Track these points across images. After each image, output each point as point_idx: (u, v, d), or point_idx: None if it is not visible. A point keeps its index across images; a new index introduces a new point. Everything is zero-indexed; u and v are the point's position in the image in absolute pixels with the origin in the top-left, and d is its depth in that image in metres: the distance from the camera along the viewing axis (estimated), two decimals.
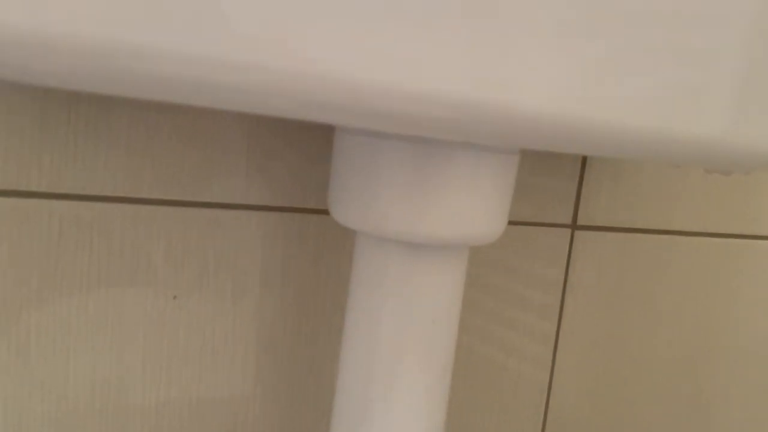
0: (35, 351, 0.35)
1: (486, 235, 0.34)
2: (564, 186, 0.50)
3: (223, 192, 0.38)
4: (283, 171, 0.40)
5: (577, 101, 0.27)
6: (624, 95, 0.28)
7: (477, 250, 0.48)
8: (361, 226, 0.33)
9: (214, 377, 0.40)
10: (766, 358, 0.61)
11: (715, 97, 0.31)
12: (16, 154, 0.33)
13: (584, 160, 0.51)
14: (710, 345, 0.59)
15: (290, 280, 0.41)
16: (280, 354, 0.42)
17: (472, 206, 0.32)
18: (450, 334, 0.35)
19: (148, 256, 0.37)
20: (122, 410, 0.38)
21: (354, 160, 0.33)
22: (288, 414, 0.43)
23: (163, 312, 0.38)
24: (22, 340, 0.35)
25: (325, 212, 0.41)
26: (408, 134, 0.29)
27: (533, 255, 0.50)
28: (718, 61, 0.30)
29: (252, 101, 0.21)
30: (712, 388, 0.60)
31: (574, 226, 0.51)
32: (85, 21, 0.18)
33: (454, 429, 0.50)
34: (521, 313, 0.50)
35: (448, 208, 0.32)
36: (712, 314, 0.58)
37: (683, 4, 0.27)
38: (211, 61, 0.19)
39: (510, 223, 0.49)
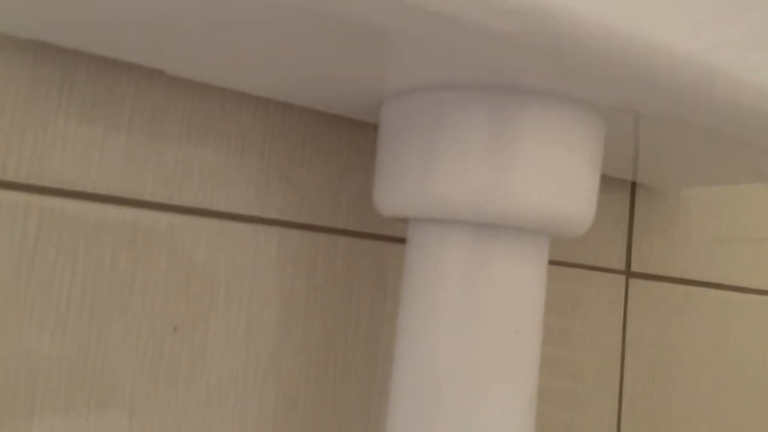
0: None
1: (573, 220, 0.27)
2: (613, 229, 0.45)
3: (239, 201, 0.32)
4: (309, 181, 0.34)
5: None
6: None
7: None
8: (417, 208, 0.27)
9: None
10: None
11: None
12: None
13: (632, 198, 0.46)
14: None
15: (315, 316, 0.34)
16: (302, 411, 0.33)
17: (559, 175, 0.26)
18: (536, 350, 0.27)
19: (145, 275, 0.30)
20: None
21: (409, 127, 0.27)
22: None
23: (159, 347, 0.30)
24: None
25: (359, 234, 0.35)
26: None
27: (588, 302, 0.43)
28: None
29: None
30: None
31: (629, 272, 0.45)
32: None
33: None
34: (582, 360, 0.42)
35: (527, 179, 0.26)
36: None
37: None
38: None
39: (558, 263, 0.42)
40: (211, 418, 0.31)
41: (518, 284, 0.27)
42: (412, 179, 0.27)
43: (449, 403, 0.26)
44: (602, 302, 0.44)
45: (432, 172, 0.26)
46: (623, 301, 0.45)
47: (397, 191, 0.27)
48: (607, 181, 0.44)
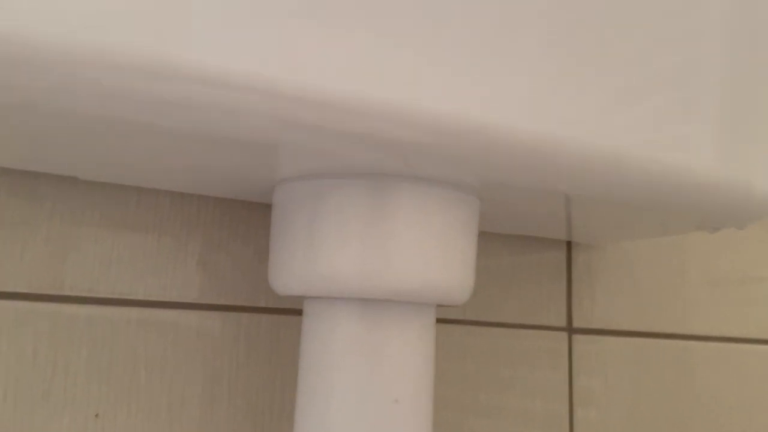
0: None
1: (451, 290, 0.29)
2: (552, 286, 0.46)
3: (157, 288, 0.34)
4: (227, 265, 0.36)
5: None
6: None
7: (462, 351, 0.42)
8: (302, 287, 0.29)
9: None
10: None
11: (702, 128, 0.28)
12: None
13: (569, 256, 0.47)
14: None
15: (239, 392, 0.35)
16: None
17: (434, 249, 0.28)
18: (419, 417, 0.28)
19: (65, 364, 0.32)
20: None
21: (295, 210, 0.29)
22: None
23: None
24: None
25: (280, 311, 0.37)
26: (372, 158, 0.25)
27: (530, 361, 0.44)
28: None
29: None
30: None
31: (570, 329, 0.46)
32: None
33: None
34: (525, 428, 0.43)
35: (401, 256, 0.28)
36: (742, 425, 0.50)
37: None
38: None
39: (497, 325, 0.43)
40: None
41: (398, 355, 0.28)
42: (296, 260, 0.29)
43: None
44: (545, 358, 0.44)
45: (313, 254, 0.28)
46: (567, 357, 0.45)
47: (285, 271, 0.29)
48: (541, 241, 0.46)
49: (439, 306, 0.32)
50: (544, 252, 0.46)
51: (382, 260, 0.28)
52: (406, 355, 0.29)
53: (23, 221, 0.32)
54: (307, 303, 0.30)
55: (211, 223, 0.36)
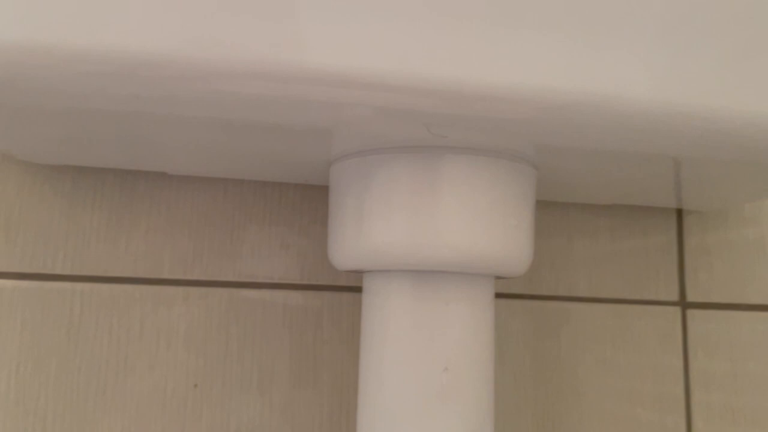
0: None
1: (505, 261, 0.28)
2: (662, 257, 0.43)
3: (245, 270, 0.37)
4: (309, 247, 0.38)
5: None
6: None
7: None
8: (356, 262, 0.30)
9: None
10: None
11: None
12: (44, 239, 0.35)
13: (679, 224, 0.43)
14: None
15: (324, 367, 0.37)
16: None
17: (482, 219, 0.28)
18: (472, 386, 0.28)
19: (168, 340, 0.36)
20: None
21: (346, 188, 0.30)
22: None
23: (183, 400, 0.35)
24: (38, 427, 0.34)
25: (359, 289, 0.38)
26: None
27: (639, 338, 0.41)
28: None
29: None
30: None
31: (684, 303, 0.42)
32: None
33: None
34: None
35: (451, 224, 0.28)
36: None
37: None
38: None
39: (598, 300, 0.41)
40: None
41: (447, 325, 0.28)
42: (347, 236, 0.30)
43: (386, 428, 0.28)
44: (654, 336, 0.41)
45: (361, 229, 0.29)
46: (682, 334, 0.42)
47: (338, 248, 0.31)
48: (647, 210, 0.43)
49: (499, 278, 0.31)
50: (649, 221, 0.43)
51: (429, 231, 0.28)
52: (456, 325, 0.29)
53: (128, 213, 0.36)
54: (365, 277, 0.31)
55: (292, 208, 0.38)
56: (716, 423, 0.41)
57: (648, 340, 0.41)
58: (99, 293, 0.35)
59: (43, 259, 0.35)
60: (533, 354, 0.40)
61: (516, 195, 0.30)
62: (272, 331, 0.37)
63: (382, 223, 0.29)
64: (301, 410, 0.37)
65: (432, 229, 0.28)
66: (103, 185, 0.36)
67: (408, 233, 0.28)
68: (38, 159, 0.35)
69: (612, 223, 0.42)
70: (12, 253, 0.35)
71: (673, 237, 0.43)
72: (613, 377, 0.40)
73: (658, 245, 0.43)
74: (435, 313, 0.29)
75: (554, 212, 0.41)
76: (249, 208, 0.38)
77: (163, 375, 0.35)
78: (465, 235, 0.28)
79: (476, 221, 0.28)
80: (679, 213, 0.43)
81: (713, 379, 0.41)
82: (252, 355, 0.36)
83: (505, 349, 0.39)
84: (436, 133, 0.26)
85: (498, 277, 0.31)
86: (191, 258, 0.37)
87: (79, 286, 0.35)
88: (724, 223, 0.43)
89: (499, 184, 0.29)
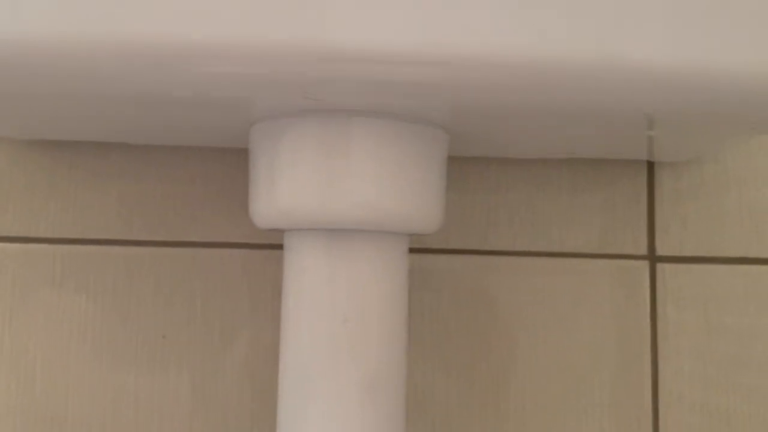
0: (39, 386, 0.39)
1: (416, 218, 0.30)
2: (630, 210, 0.42)
3: (207, 231, 0.40)
4: None
5: None
6: None
7: None
8: (275, 221, 0.32)
9: (207, 418, 0.39)
10: None
11: None
12: (27, 205, 0.40)
13: (650, 177, 0.42)
14: None
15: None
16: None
17: (389, 179, 0.29)
18: (375, 338, 0.30)
19: (138, 296, 0.39)
20: None
21: (261, 151, 0.32)
22: None
23: (152, 351, 0.39)
24: (29, 374, 0.39)
25: None
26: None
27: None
28: None
29: None
30: None
31: (653, 257, 0.42)
32: None
33: None
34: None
35: (357, 183, 0.29)
36: None
37: None
38: None
39: (560, 255, 0.41)
40: (198, 404, 0.39)
41: (352, 278, 0.30)
42: (261, 197, 0.32)
43: (293, 388, 0.30)
44: (621, 292, 0.41)
45: (275, 191, 0.31)
46: (650, 290, 0.41)
47: (258, 208, 0.32)
48: (615, 164, 0.42)
49: (412, 234, 0.33)
50: (617, 171, 0.42)
51: (336, 191, 0.30)
52: (361, 280, 0.30)
53: (102, 178, 0.40)
54: (285, 236, 0.33)
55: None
56: (684, 383, 0.40)
57: (613, 295, 0.41)
58: (77, 254, 0.39)
59: (28, 224, 0.39)
60: (490, 310, 0.40)
61: (423, 155, 0.31)
62: (233, 288, 0.40)
63: (291, 183, 0.30)
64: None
65: (339, 188, 0.30)
66: (78, 151, 0.40)
67: (316, 193, 0.30)
68: (19, 135, 0.39)
69: (574, 177, 0.42)
70: (3, 220, 0.40)
71: (643, 188, 0.42)
72: (573, 334, 0.41)
73: (626, 197, 0.42)
74: (343, 270, 0.30)
75: (512, 169, 0.41)
76: (207, 174, 0.40)
77: (134, 328, 0.39)
78: (371, 194, 0.29)
79: (383, 181, 0.30)
80: (650, 165, 0.42)
81: (683, 332, 0.41)
82: (214, 310, 0.40)
83: (459, 306, 0.40)
84: (310, 97, 0.27)
85: (411, 234, 0.32)
86: (159, 218, 0.40)
87: (59, 248, 0.39)
88: (698, 173, 0.42)
89: (405, 145, 0.30)
